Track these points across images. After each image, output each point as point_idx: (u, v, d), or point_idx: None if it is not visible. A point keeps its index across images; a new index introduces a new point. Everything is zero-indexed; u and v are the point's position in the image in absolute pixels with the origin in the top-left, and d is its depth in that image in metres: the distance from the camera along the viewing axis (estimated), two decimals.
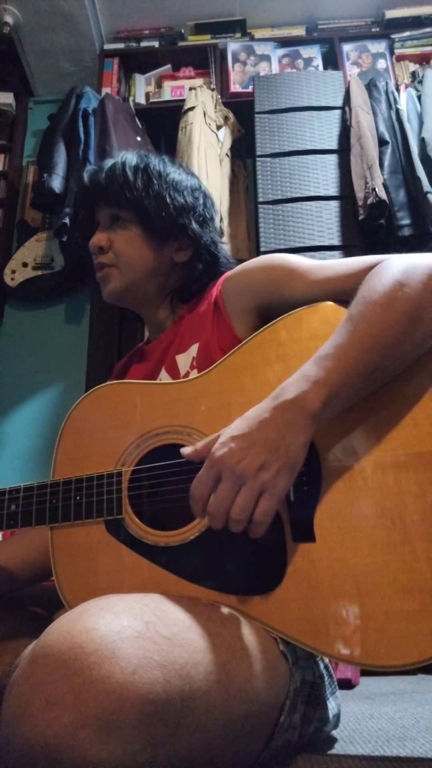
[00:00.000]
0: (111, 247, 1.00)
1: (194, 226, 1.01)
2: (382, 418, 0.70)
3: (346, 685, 1.40)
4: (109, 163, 1.02)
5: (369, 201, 1.97)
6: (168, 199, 0.99)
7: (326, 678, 0.77)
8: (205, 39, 2.77)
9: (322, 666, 0.76)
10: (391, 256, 0.77)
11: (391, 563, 0.64)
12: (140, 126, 2.50)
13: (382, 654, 0.61)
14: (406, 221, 2.03)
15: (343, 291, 0.79)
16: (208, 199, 1.07)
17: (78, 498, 0.77)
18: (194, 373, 0.89)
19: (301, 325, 0.79)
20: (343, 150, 2.18)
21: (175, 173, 1.03)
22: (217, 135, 2.37)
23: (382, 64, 2.58)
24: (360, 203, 2.00)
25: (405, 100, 2.27)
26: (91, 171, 1.03)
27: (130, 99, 2.62)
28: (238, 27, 2.78)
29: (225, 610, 0.66)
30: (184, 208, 1.00)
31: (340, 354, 0.67)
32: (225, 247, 2.15)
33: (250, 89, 2.47)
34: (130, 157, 1.02)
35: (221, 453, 0.64)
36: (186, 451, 0.69)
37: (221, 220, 2.19)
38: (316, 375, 0.66)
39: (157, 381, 0.93)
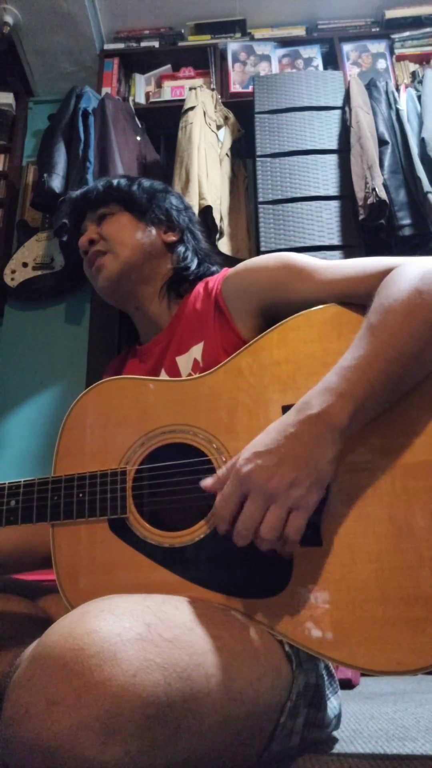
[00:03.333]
0: (102, 237, 1.04)
1: (175, 204, 1.11)
2: (391, 425, 0.69)
3: (347, 685, 1.40)
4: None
5: (369, 201, 1.97)
6: (149, 187, 1.09)
7: (326, 678, 0.77)
8: (205, 39, 2.77)
9: (322, 666, 0.76)
10: (404, 261, 0.76)
11: (397, 570, 0.63)
12: (140, 126, 2.49)
13: (384, 660, 0.61)
14: (406, 221, 2.03)
15: (352, 293, 0.78)
16: (180, 197, 1.17)
17: (81, 495, 0.76)
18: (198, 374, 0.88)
19: (309, 327, 0.78)
20: (343, 150, 2.18)
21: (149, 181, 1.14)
22: (217, 135, 2.37)
23: (382, 64, 2.58)
24: (360, 203, 2.00)
25: (405, 100, 2.27)
26: (74, 194, 1.12)
27: (130, 99, 2.62)
28: (238, 27, 2.77)
29: (227, 612, 0.66)
30: (165, 190, 1.12)
31: (364, 365, 0.66)
32: (224, 246, 2.17)
33: (250, 89, 2.47)
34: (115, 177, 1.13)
35: (248, 469, 0.63)
36: (206, 483, 0.68)
37: (221, 219, 2.19)
38: (340, 387, 0.65)
39: (162, 378, 0.92)
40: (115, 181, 1.08)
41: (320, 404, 0.64)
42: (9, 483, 0.79)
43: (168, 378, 0.91)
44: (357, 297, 0.77)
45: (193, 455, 0.75)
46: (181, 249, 1.07)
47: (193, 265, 1.06)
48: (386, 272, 0.76)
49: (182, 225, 1.09)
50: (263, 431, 0.67)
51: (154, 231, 1.06)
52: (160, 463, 0.76)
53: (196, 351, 0.91)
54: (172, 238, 1.07)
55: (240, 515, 0.63)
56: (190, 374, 0.90)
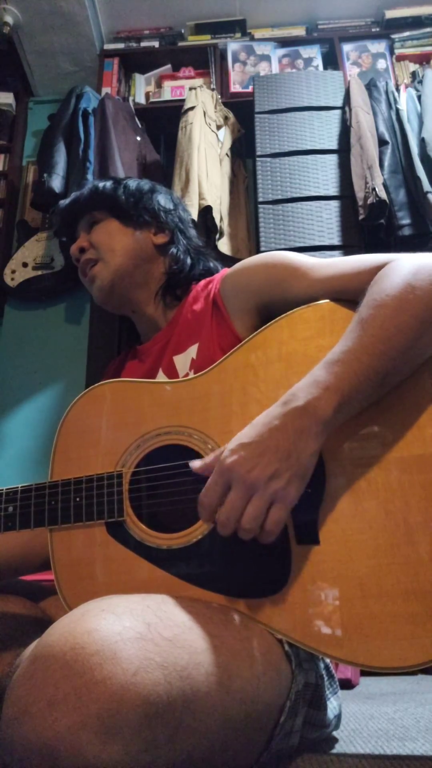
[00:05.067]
0: (91, 245, 1.03)
1: (162, 205, 1.09)
2: (387, 420, 0.69)
3: (346, 685, 1.40)
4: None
5: (369, 201, 1.97)
6: (134, 189, 1.07)
7: (326, 678, 0.76)
8: (205, 39, 2.77)
9: (322, 666, 0.76)
10: (397, 257, 0.76)
11: (395, 566, 0.63)
12: (140, 126, 2.50)
13: (384, 656, 0.61)
14: (406, 221, 2.03)
15: (347, 290, 0.78)
16: (169, 194, 1.15)
17: (78, 499, 0.76)
18: (193, 375, 0.88)
19: (301, 324, 0.78)
20: (343, 150, 2.18)
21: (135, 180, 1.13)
22: (217, 135, 2.37)
23: (382, 64, 2.58)
24: (360, 203, 2.00)
25: (405, 100, 2.27)
26: (63, 204, 1.11)
27: (130, 99, 2.62)
28: (238, 27, 2.77)
29: (227, 611, 0.66)
30: (151, 190, 1.10)
31: (351, 359, 0.66)
32: (224, 246, 2.17)
33: (250, 89, 2.47)
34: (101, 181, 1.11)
35: (231, 461, 0.64)
36: (195, 464, 0.68)
37: (221, 219, 2.19)
38: (326, 381, 0.65)
39: (157, 380, 0.92)
40: (100, 185, 1.07)
41: (305, 397, 0.65)
42: (6, 489, 0.79)
43: (163, 380, 0.91)
44: (351, 293, 0.77)
45: (189, 456, 0.75)
46: (173, 250, 1.05)
47: (187, 266, 1.05)
48: (380, 267, 0.76)
49: (171, 225, 1.08)
50: (250, 424, 0.67)
51: (143, 235, 1.04)
52: (156, 465, 0.76)
53: (194, 350, 0.91)
54: (162, 239, 1.05)
55: (223, 505, 0.64)
56: (187, 374, 0.90)
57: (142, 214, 1.05)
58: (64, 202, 1.10)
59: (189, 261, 1.05)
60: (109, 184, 1.07)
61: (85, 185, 1.11)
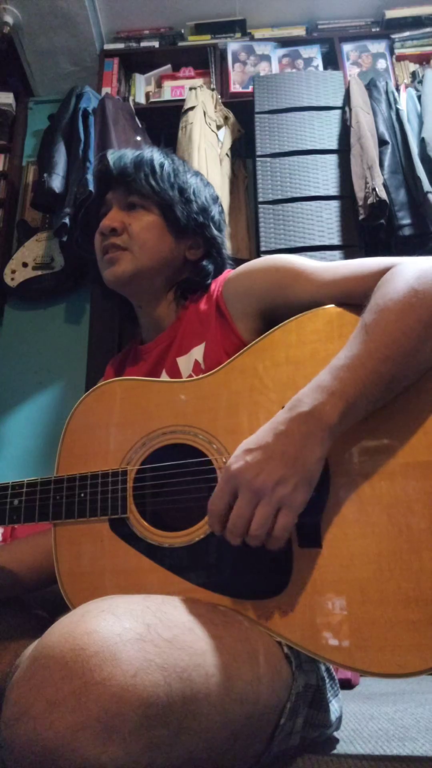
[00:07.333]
0: (125, 230, 0.96)
1: (213, 228, 1.02)
2: (392, 426, 0.69)
3: (347, 685, 1.40)
4: (135, 152, 1.01)
5: (369, 201, 1.97)
6: (192, 197, 1.00)
7: (327, 680, 0.76)
8: (205, 39, 2.77)
9: (323, 669, 0.76)
10: (401, 261, 0.76)
11: (397, 572, 0.63)
12: (140, 125, 2.49)
13: (383, 662, 0.61)
14: (406, 221, 2.03)
15: (351, 294, 0.78)
16: (222, 211, 1.09)
17: (82, 495, 0.77)
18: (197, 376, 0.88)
19: (309, 328, 0.78)
20: (343, 150, 2.18)
21: (195, 178, 1.05)
22: (217, 135, 2.37)
23: (382, 64, 2.58)
24: (360, 203, 2.00)
25: (405, 100, 2.27)
26: (117, 155, 1.00)
27: (130, 99, 2.62)
28: (238, 27, 2.77)
29: (227, 612, 0.66)
30: (205, 209, 1.02)
31: (356, 364, 0.65)
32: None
33: (250, 89, 2.47)
34: (158, 153, 1.02)
35: (237, 466, 0.64)
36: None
37: None
38: (332, 386, 0.65)
39: (164, 379, 0.92)
40: (158, 179, 0.97)
41: (311, 402, 0.64)
42: (12, 482, 0.80)
43: (170, 379, 0.91)
44: (356, 297, 0.77)
45: (194, 456, 0.75)
46: (205, 265, 1.01)
47: (210, 278, 1.01)
48: (384, 272, 0.76)
49: (217, 245, 1.03)
50: (257, 431, 0.67)
51: (179, 245, 0.99)
52: (161, 464, 0.76)
53: (197, 352, 0.91)
54: (195, 255, 1.01)
55: (231, 513, 0.64)
56: (190, 375, 0.90)
57: (191, 227, 0.99)
58: (111, 161, 0.99)
59: (212, 275, 1.02)
60: (168, 186, 0.98)
61: (143, 152, 1.01)
